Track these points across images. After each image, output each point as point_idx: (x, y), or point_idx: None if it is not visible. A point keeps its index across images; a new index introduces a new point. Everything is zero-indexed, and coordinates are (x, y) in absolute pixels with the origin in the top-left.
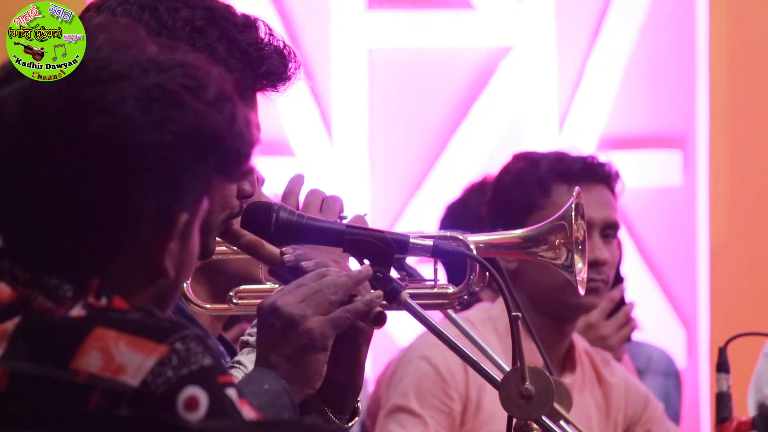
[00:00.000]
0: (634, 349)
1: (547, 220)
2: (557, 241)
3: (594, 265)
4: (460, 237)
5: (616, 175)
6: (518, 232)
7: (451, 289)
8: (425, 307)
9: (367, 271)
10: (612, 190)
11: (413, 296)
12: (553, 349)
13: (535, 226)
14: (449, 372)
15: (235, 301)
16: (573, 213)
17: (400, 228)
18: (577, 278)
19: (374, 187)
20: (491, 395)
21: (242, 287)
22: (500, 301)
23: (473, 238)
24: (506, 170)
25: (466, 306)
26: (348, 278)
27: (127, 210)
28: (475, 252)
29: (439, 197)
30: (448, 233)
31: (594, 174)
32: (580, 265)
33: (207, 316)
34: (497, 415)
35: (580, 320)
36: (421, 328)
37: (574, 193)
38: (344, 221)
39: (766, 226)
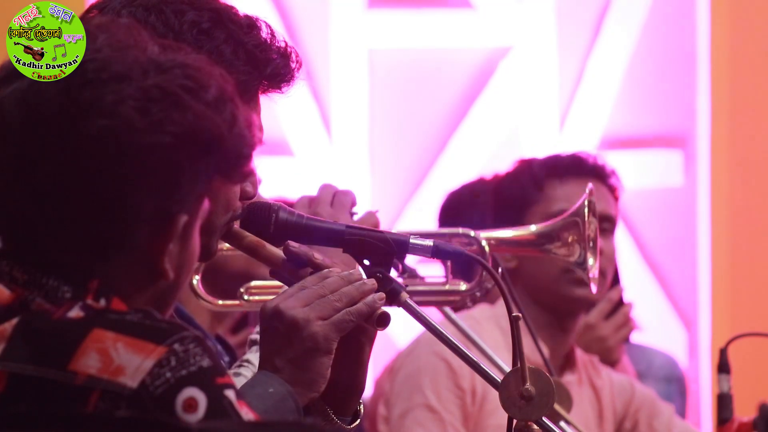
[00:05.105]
0: (636, 353)
1: (560, 217)
2: (570, 237)
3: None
4: (472, 234)
5: (610, 171)
6: (531, 228)
7: (463, 286)
8: (437, 303)
9: (372, 284)
10: (607, 186)
11: (425, 293)
12: (557, 346)
13: (548, 222)
14: (458, 365)
15: (246, 297)
16: (585, 209)
17: (401, 228)
18: (589, 275)
19: (374, 187)
20: None
21: (252, 283)
22: (502, 300)
23: (485, 235)
24: (507, 174)
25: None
26: (354, 288)
27: (126, 211)
28: (487, 249)
29: (439, 197)
30: (461, 230)
31: (583, 168)
32: (591, 262)
33: (206, 316)
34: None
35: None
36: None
37: (587, 190)
38: (355, 218)
39: (766, 227)
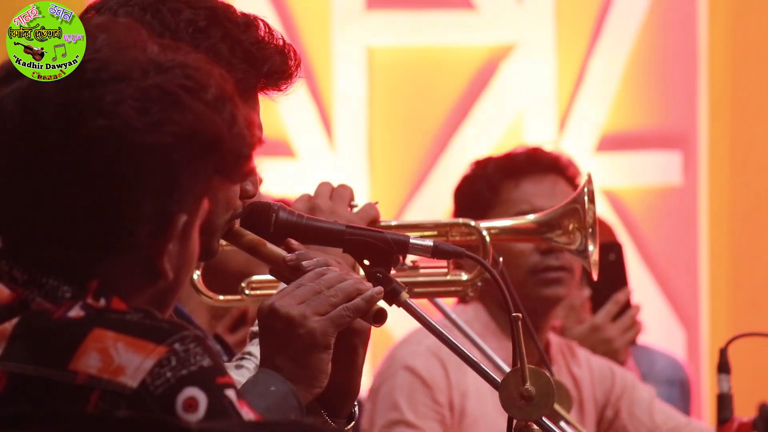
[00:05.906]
0: (639, 354)
1: (560, 204)
2: (571, 225)
3: (548, 252)
4: (472, 224)
5: (567, 162)
6: (532, 217)
7: (464, 276)
8: (439, 294)
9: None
10: (565, 178)
11: (426, 284)
12: (531, 346)
13: (548, 210)
14: (432, 379)
15: (246, 291)
16: (585, 196)
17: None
18: (590, 261)
19: (374, 187)
20: (474, 400)
21: (254, 278)
22: (474, 305)
23: (486, 224)
24: (462, 177)
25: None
26: (350, 284)
27: (126, 211)
28: (488, 239)
29: (439, 197)
30: (461, 220)
31: (540, 164)
32: (591, 248)
33: (205, 315)
34: (482, 420)
35: (585, 322)
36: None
37: (585, 177)
38: (355, 210)
39: (766, 227)
